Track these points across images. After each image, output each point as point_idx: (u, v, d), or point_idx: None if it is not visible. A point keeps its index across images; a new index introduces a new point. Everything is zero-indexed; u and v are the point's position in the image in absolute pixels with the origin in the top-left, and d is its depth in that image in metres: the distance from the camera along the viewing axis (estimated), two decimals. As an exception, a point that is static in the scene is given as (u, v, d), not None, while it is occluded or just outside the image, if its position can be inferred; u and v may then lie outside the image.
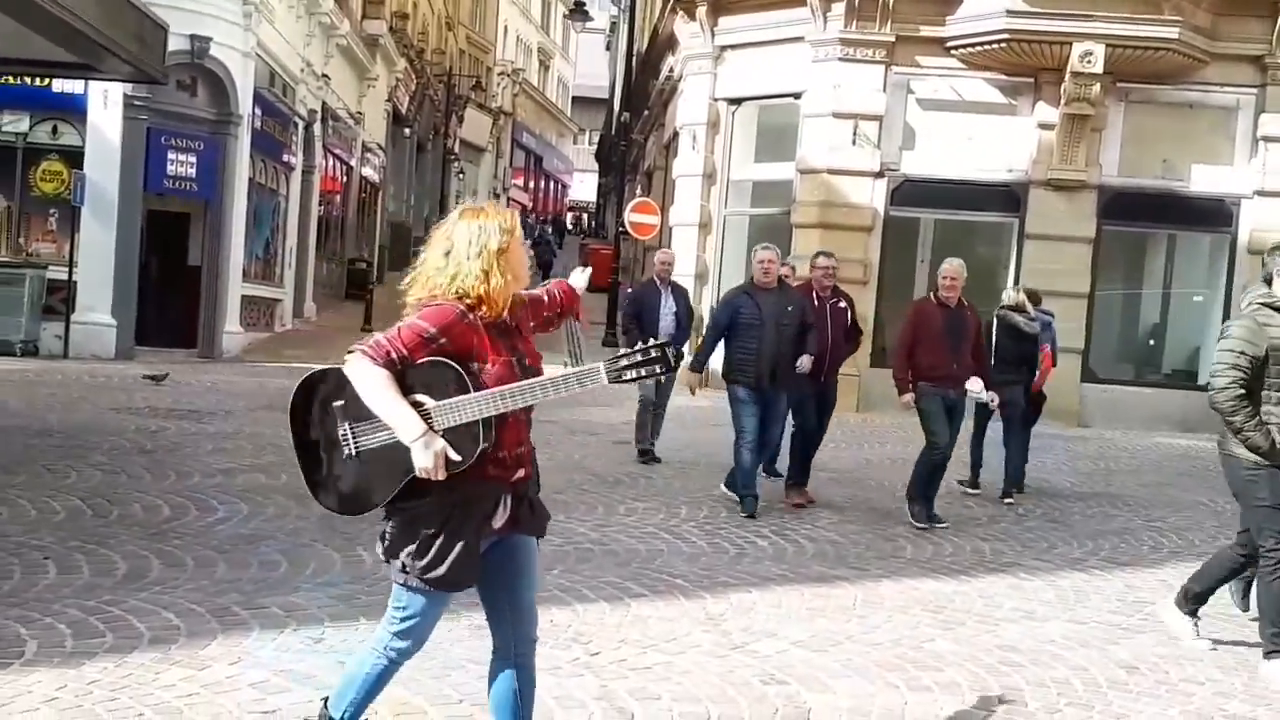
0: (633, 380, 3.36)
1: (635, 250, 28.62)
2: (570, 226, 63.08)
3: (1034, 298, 11.45)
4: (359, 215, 31.10)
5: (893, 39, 17.59)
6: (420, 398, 3.37)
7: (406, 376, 3.37)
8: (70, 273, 16.93)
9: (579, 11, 34.31)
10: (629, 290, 11.45)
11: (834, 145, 17.78)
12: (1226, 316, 17.88)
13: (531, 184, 66.75)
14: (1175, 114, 17.74)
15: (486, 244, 3.48)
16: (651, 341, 3.38)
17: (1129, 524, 9.59)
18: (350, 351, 3.41)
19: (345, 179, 28.83)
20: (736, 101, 19.46)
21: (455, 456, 3.35)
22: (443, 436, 3.34)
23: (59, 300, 17.05)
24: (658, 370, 3.33)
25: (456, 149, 46.86)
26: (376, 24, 28.70)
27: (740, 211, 19.96)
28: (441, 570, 3.45)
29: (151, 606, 5.70)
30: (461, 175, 50.14)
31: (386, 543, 3.53)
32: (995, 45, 17.05)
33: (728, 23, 19.19)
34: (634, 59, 31.44)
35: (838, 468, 11.62)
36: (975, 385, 9.12)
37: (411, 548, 3.46)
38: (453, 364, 3.38)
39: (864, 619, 6.29)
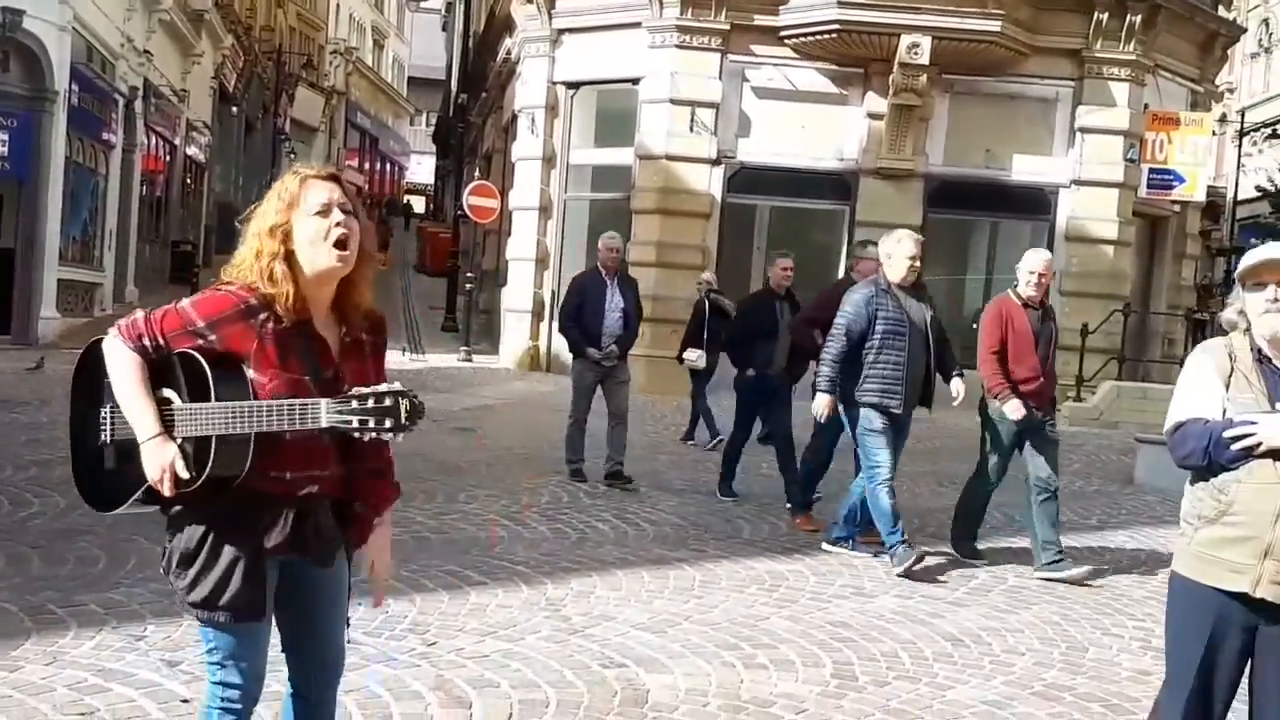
0: (354, 430, 2.73)
1: (475, 234, 28.36)
2: (409, 209, 62.15)
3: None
4: (184, 196, 30.06)
5: (728, 27, 17.81)
6: (170, 394, 2.87)
7: (163, 366, 2.87)
8: None
9: (414, -9, 33.76)
10: (573, 279, 10.26)
11: (672, 131, 17.93)
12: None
13: (367, 165, 65.40)
14: (998, 105, 18.36)
15: (262, 220, 2.91)
16: (387, 386, 2.75)
17: (951, 501, 9.86)
18: (113, 325, 2.93)
19: (169, 158, 27.82)
20: (575, 85, 19.43)
21: (184, 473, 2.80)
22: (184, 444, 2.82)
23: None
24: (385, 425, 2.70)
25: (287, 128, 45.66)
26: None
27: (581, 196, 19.96)
28: (204, 592, 2.88)
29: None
30: (293, 155, 48.79)
31: (164, 558, 2.97)
32: (826, 35, 17.39)
33: (566, 5, 19.15)
34: (471, 40, 31.11)
35: (676, 450, 11.74)
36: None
37: (174, 564, 2.92)
38: (202, 363, 2.82)
39: (701, 599, 6.37)
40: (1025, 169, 18.33)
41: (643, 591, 6.44)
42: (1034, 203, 18.66)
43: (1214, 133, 25.13)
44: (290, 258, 2.89)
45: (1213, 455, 3.47)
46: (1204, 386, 3.55)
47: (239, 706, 3.04)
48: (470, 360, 20.40)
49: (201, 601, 2.90)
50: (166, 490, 2.81)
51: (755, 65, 18.07)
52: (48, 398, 12.34)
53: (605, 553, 7.30)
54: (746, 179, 18.26)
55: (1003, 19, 17.08)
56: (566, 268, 19.52)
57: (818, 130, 18.14)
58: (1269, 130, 46.33)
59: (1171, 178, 18.79)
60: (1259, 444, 3.42)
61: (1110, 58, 18.06)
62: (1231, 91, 42.05)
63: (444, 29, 57.42)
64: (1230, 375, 3.53)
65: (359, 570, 3.20)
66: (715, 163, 18.03)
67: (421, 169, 72.27)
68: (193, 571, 2.89)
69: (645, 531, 7.98)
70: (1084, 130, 18.19)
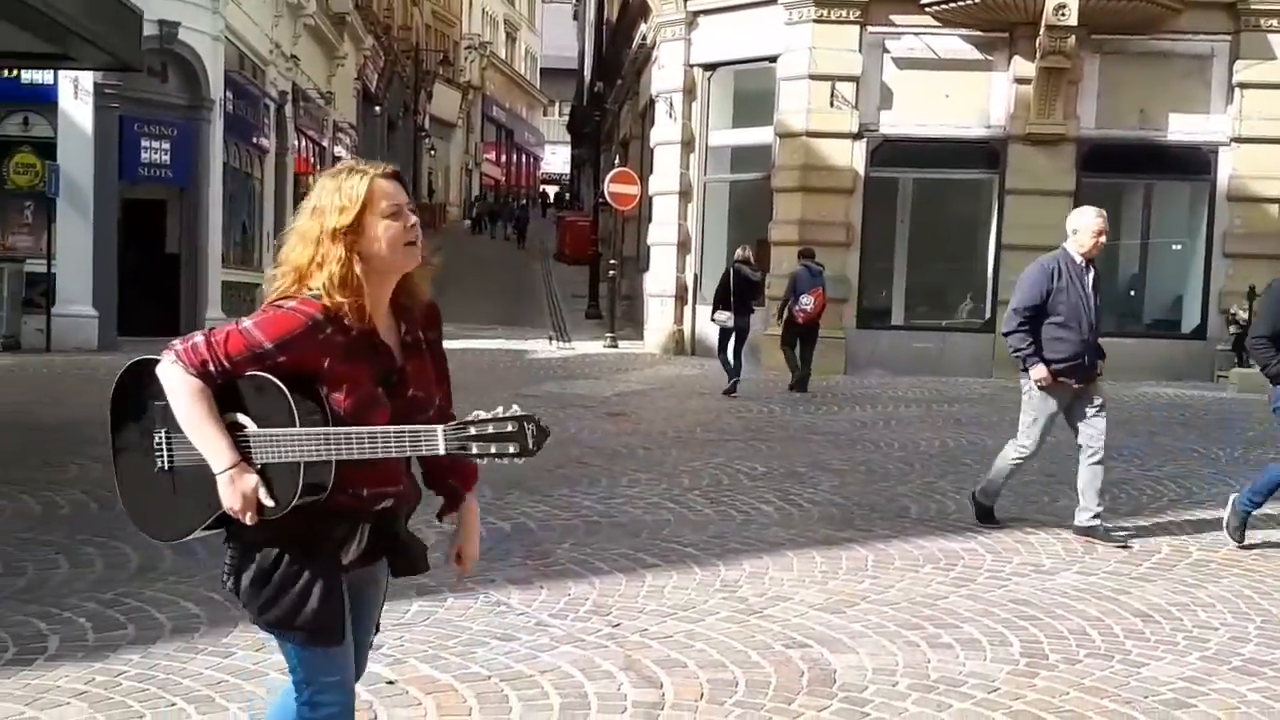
0: (474, 456, 2.60)
1: (614, 222, 28.59)
2: (549, 200, 62.88)
3: (808, 253, 15.44)
4: (334, 196, 30.90)
5: (866, -1, 17.60)
6: (242, 419, 2.70)
7: (230, 390, 2.68)
8: (49, 265, 16.83)
9: (546, -18, 34.12)
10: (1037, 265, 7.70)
11: (812, 107, 17.81)
12: (1208, 264, 18.06)
13: (503, 158, 66.48)
14: (1150, 64, 17.80)
15: (319, 222, 2.71)
16: (507, 411, 2.61)
17: (1126, 474, 9.68)
18: (165, 349, 2.71)
19: (318, 160, 28.66)
20: (712, 67, 19.43)
21: (268, 502, 2.66)
22: (264, 470, 2.67)
23: (39, 293, 16.96)
24: (510, 450, 2.57)
25: (427, 125, 46.64)
26: (342, 2, 28.47)
27: (720, 178, 19.98)
28: (280, 613, 2.75)
29: (169, 597, 5.70)
30: (433, 152, 49.94)
31: (228, 576, 2.82)
32: (969, 1, 17.05)
33: (699, -12, 19.16)
34: (604, 28, 31.29)
35: (830, 430, 11.69)
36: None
37: (247, 583, 2.77)
38: (283, 390, 2.64)
39: (876, 579, 6.35)
40: (1181, 128, 17.77)
41: (815, 572, 6.44)
42: (1192, 163, 18.08)
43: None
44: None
45: None
46: None
47: None
48: (615, 346, 20.60)
49: (277, 621, 2.77)
50: (249, 520, 2.66)
51: (895, 35, 17.84)
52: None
53: (772, 534, 7.32)
54: (890, 152, 18.06)
55: (1153, -26, 16.56)
56: (708, 251, 19.58)
57: (962, 98, 17.82)
58: None
59: (1337, 130, 17.95)
60: None
61: (1268, 9, 17.38)
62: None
63: (575, 18, 57.86)
64: None
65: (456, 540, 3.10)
66: (857, 137, 17.86)
67: (556, 159, 73.14)
68: (268, 591, 2.75)
69: (809, 512, 7.97)
70: (1242, 85, 17.53)
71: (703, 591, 5.97)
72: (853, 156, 17.91)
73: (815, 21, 17.71)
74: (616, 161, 28.17)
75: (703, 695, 4.61)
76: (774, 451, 9.86)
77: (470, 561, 3.14)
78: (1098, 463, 7.48)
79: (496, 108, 62.81)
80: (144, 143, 17.73)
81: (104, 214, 17.19)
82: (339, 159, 30.56)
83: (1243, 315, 18.16)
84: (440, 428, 2.62)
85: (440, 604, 5.68)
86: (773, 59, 18.33)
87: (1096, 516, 7.33)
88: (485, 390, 12.44)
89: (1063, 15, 16.60)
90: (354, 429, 2.66)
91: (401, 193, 2.77)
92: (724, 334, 14.79)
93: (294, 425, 2.64)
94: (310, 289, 2.69)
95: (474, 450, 2.58)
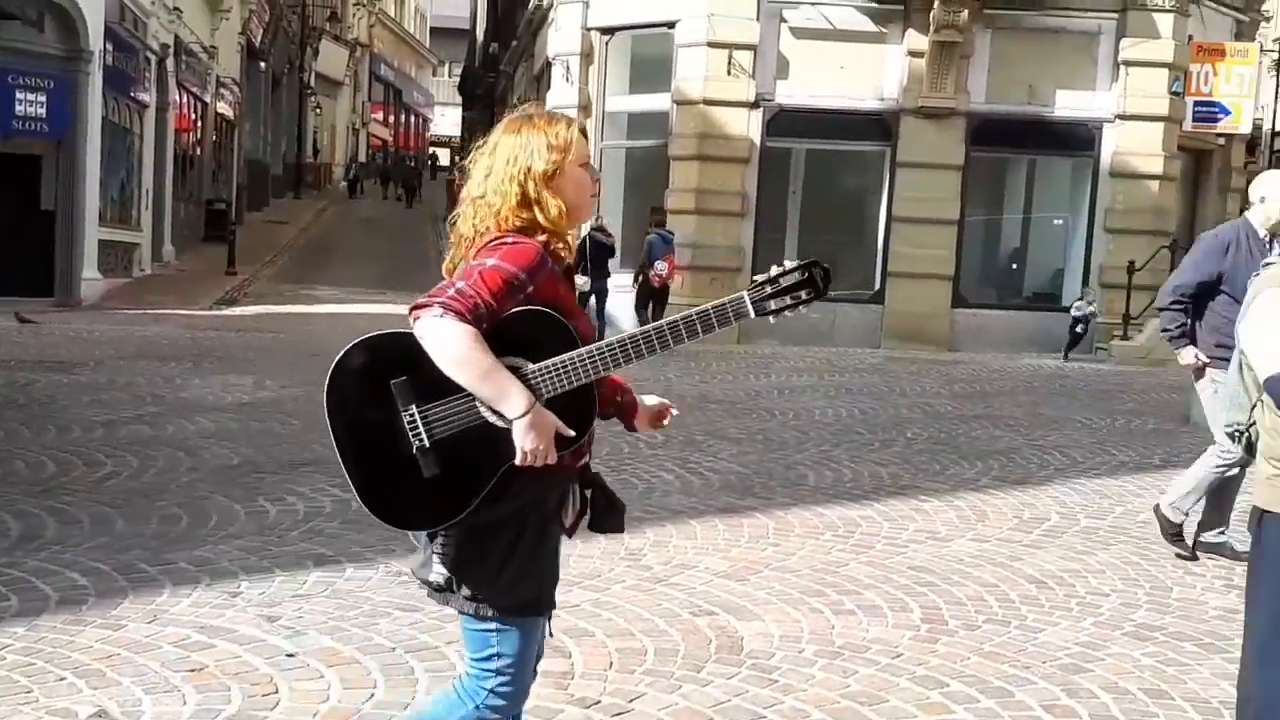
0: (778, 311, 2.70)
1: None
2: (435, 162, 62.02)
3: (660, 221, 16.81)
4: (215, 153, 30.11)
5: (764, -34, 17.63)
6: (513, 361, 2.63)
7: (493, 334, 2.60)
8: (-86, 220, 16.07)
9: (437, -61, 33.54)
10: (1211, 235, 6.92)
11: (709, 75, 17.80)
12: (1089, 239, 18.54)
13: (392, 118, 65.36)
14: (1040, 40, 18.11)
15: (529, 162, 2.74)
16: (792, 263, 2.73)
17: (1013, 444, 9.90)
18: (419, 306, 2.60)
19: (200, 116, 27.86)
20: (610, 31, 19.29)
21: (569, 433, 2.63)
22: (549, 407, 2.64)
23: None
24: (804, 297, 2.69)
25: (313, 83, 45.58)
26: (227, -47, 27.64)
27: (617, 144, 19.89)
28: (526, 593, 2.73)
29: (54, 567, 5.50)
30: (319, 110, 48.91)
31: (444, 571, 2.72)
32: (866, -28, 17.20)
33: (599, -50, 18.99)
34: (497, -11, 30.91)
35: (726, 399, 11.75)
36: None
37: (482, 571, 2.71)
38: (555, 315, 2.65)
39: (778, 546, 6.40)
40: (1068, 104, 18.16)
41: (718, 540, 6.47)
42: (1077, 139, 18.50)
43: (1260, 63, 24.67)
44: None
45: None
46: None
47: (510, 713, 2.84)
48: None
49: (521, 605, 2.74)
50: (552, 459, 2.62)
51: (793, 5, 17.90)
52: (100, 358, 12.46)
53: (675, 502, 7.33)
54: (785, 122, 18.13)
55: (1044, -49, 16.86)
56: (605, 214, 19.50)
57: (857, 70, 17.96)
58: (1308, 59, 45.55)
59: (1217, 110, 18.55)
60: None
61: (1154, -12, 17.81)
62: (1268, 20, 41.38)
63: (466, -23, 56.99)
64: None
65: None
66: (753, 106, 17.90)
67: (445, 120, 72.15)
68: (511, 572, 2.70)
69: (710, 481, 8.00)
70: (1127, 63, 17.96)
71: (608, 560, 5.95)
72: (749, 126, 17.95)
73: (713, -12, 17.70)
74: (509, 125, 27.85)
75: (612, 664, 4.60)
76: (672, 420, 9.84)
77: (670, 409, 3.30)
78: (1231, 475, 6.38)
79: (385, 66, 61.66)
80: (18, 95, 16.96)
81: (-26, 168, 16.51)
82: (221, 115, 29.78)
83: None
84: (744, 292, 2.71)
85: (339, 574, 5.59)
86: (671, 25, 18.26)
87: (1222, 532, 6.47)
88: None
89: (956, -11, 16.83)
90: (651, 326, 2.70)
91: (589, 147, 2.93)
92: (583, 298, 15.29)
93: (574, 348, 2.66)
94: (516, 223, 2.74)
95: (774, 306, 2.70)
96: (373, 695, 4.26)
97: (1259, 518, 3.58)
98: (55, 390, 10.41)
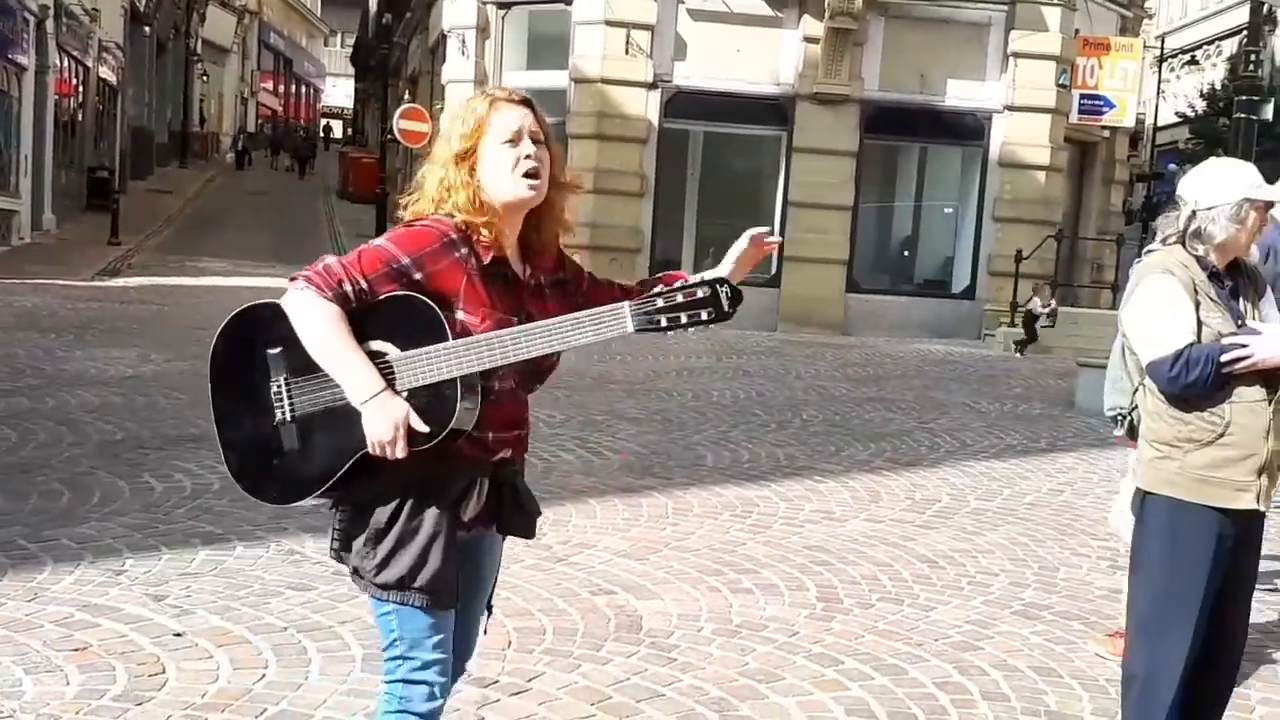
0: (667, 329, 2.45)
1: (403, 158, 27.94)
2: (329, 134, 60.90)
3: None
4: (98, 119, 29.17)
5: (664, -54, 17.61)
6: (380, 346, 2.53)
7: (365, 317, 2.53)
8: None
9: (332, -93, 32.92)
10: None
11: (607, 54, 17.75)
12: (978, 228, 18.91)
13: (282, 88, 64.02)
14: (932, 29, 18.36)
15: (446, 146, 2.63)
16: (696, 277, 2.50)
17: (904, 426, 10.07)
18: (294, 277, 2.55)
19: (82, 81, 26.93)
20: (506, 5, 19.13)
21: (421, 427, 2.50)
22: (408, 399, 2.52)
23: None
24: (703, 318, 2.44)
25: (199, 50, 44.42)
26: (111, -88, 26.77)
27: (513, 120, 19.68)
28: (399, 571, 2.59)
29: (-72, 545, 5.30)
30: (205, 78, 47.66)
31: (336, 541, 2.68)
32: (764, -44, 17.28)
33: (496, -78, 18.79)
34: (393, -41, 30.43)
35: (625, 379, 11.75)
36: None
37: (360, 544, 2.63)
38: (428, 303, 2.51)
39: (677, 526, 6.42)
40: (958, 94, 18.46)
41: (618, 519, 6.47)
42: (967, 128, 18.82)
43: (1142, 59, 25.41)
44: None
45: (1212, 378, 3.52)
46: (1183, 309, 3.55)
47: (427, 706, 2.69)
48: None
49: (396, 582, 2.61)
50: (400, 453, 2.50)
51: (692, -14, 17.90)
52: (-24, 329, 12.01)
53: (574, 482, 7.31)
54: (683, 103, 18.17)
55: (938, -57, 17.11)
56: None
57: (753, 54, 18.04)
58: (1187, 57, 47.16)
59: (1102, 103, 19.04)
60: (1255, 362, 3.48)
61: (1042, -18, 18.18)
62: (1150, 17, 42.66)
63: (360, -53, 55.99)
64: (1197, 296, 3.56)
65: None
66: (651, 86, 17.90)
67: (337, 92, 70.99)
68: (384, 548, 2.60)
69: (610, 461, 8.00)
70: (1016, 55, 18.32)
71: (507, 540, 5.90)
72: (647, 106, 17.95)
73: (613, -34, 17.64)
74: (406, 97, 27.50)
75: (510, 644, 4.57)
76: (571, 400, 9.83)
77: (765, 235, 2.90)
78: None
79: (275, 35, 60.36)
80: (-114, 52, 16.29)
81: None
82: (103, 80, 28.87)
83: None
84: (626, 304, 2.48)
85: (229, 553, 5.47)
86: (569, 1, 18.15)
87: None
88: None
89: (852, -25, 17.00)
90: (523, 327, 2.53)
91: (528, 121, 2.62)
92: None
93: (446, 340, 2.50)
94: (438, 210, 2.61)
95: (663, 323, 2.46)
96: (264, 675, 4.18)
97: (1141, 499, 3.68)
98: (-74, 361, 10.02)
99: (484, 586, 2.87)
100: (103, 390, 9.18)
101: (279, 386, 2.59)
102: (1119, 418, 4.14)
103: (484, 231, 2.59)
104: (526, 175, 2.60)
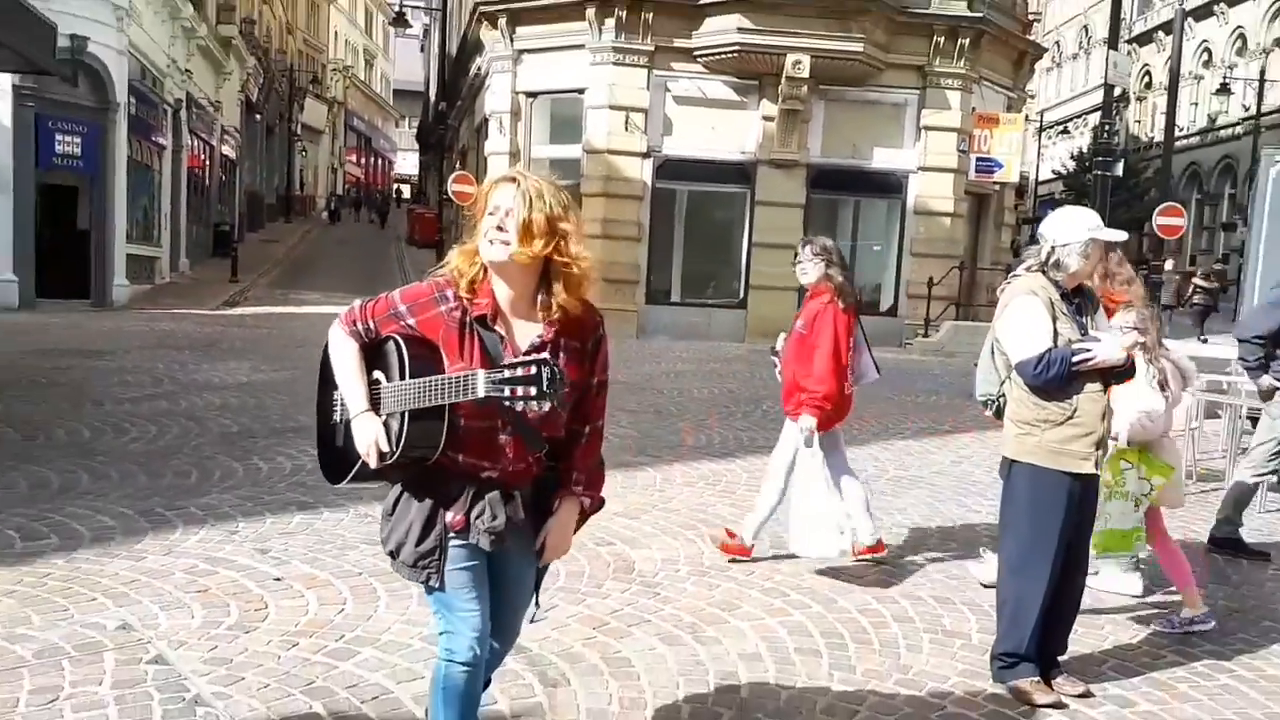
0: (505, 399, 2.23)
1: (455, 213, 27.95)
2: (400, 195, 60.94)
3: None
4: (220, 186, 29.24)
5: (653, 48, 17.60)
6: (379, 375, 2.52)
7: (375, 350, 2.52)
8: (-27, 239, 15.31)
9: (400, 20, 32.78)
10: None
11: (611, 131, 17.74)
12: (899, 261, 18.88)
13: (363, 160, 64.16)
14: (861, 109, 18.34)
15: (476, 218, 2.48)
16: (534, 356, 2.32)
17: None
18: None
19: (208, 156, 27.00)
20: (534, 94, 19.12)
21: (383, 446, 2.44)
22: (388, 420, 2.46)
23: (-36, 262, 15.43)
24: (531, 393, 2.21)
25: (299, 131, 44.49)
26: (229, 28, 26.80)
27: (540, 184, 19.68)
28: (390, 545, 2.56)
29: (87, 512, 5.33)
30: (304, 153, 47.70)
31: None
32: (729, 54, 17.27)
33: (524, 32, 18.80)
34: (445, 59, 30.44)
35: (626, 381, 11.76)
36: None
37: (382, 514, 2.63)
38: (398, 344, 2.45)
39: (662, 492, 6.45)
40: (883, 159, 18.42)
41: (617, 488, 6.46)
42: (890, 185, 18.77)
43: (1024, 130, 25.41)
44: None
45: (1065, 375, 3.57)
46: (1043, 322, 3.60)
47: (460, 661, 2.55)
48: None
49: (390, 552, 2.57)
50: (372, 463, 2.44)
51: (675, 78, 17.89)
52: (128, 348, 12.05)
53: (584, 459, 7.33)
54: (670, 168, 18.15)
55: (864, 41, 17.08)
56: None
57: (725, 130, 18.02)
58: (1060, 127, 47.28)
59: (993, 165, 18.97)
60: (1097, 362, 3.54)
61: (946, 71, 18.14)
62: (1033, 97, 42.73)
63: (422, 50, 56.15)
64: (1053, 311, 3.61)
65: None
66: (645, 156, 17.88)
67: (406, 163, 70.98)
68: (387, 522, 2.59)
69: (611, 443, 7.89)
70: (927, 128, 18.29)
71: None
72: (642, 171, 17.94)
73: (614, 64, 17.65)
74: (457, 166, 27.52)
75: (533, 583, 4.59)
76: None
77: (551, 552, 2.68)
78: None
79: (357, 119, 60.48)
80: (57, 136, 16.26)
81: (23, 195, 15.76)
82: (225, 155, 28.94)
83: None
84: (481, 371, 2.29)
85: (318, 516, 5.50)
86: (581, 91, 18.17)
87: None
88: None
89: (798, 69, 16.99)
90: (427, 379, 2.38)
91: (506, 198, 2.41)
92: None
93: (404, 379, 2.42)
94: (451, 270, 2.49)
95: (505, 392, 2.23)
96: (343, 610, 4.22)
97: (1009, 466, 3.73)
98: (90, 373, 10.04)
99: (515, 589, 2.69)
100: (223, 394, 9.22)
101: (338, 395, 2.61)
102: (988, 402, 4.19)
103: (462, 284, 2.45)
104: (492, 242, 2.41)
